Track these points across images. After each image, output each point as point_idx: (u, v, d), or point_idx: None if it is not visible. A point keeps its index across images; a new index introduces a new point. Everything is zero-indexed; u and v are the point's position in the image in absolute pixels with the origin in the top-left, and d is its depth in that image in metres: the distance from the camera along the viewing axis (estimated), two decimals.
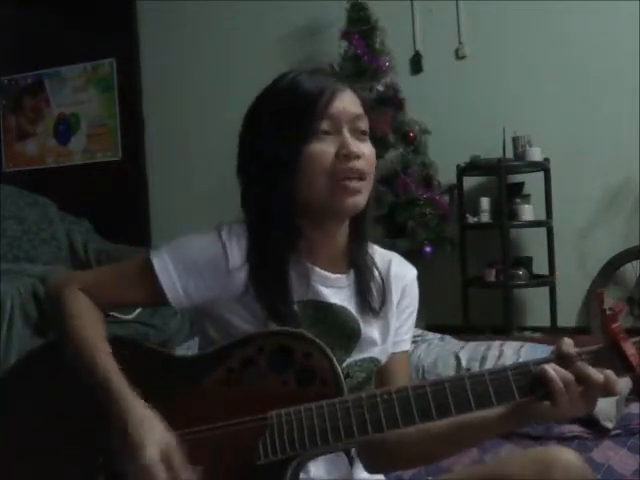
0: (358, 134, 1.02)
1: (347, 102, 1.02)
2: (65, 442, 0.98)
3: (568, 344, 0.94)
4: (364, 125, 1.03)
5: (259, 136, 1.03)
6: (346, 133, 1.01)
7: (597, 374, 0.90)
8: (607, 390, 0.91)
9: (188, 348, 2.68)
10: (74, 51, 4.57)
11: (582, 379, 0.91)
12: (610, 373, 0.90)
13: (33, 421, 1.01)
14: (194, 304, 1.04)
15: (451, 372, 2.23)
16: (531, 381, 0.92)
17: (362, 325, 1.07)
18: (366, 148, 1.03)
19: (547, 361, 0.93)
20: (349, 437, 0.91)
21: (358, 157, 1.00)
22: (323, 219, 1.04)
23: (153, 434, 0.89)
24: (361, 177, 1.01)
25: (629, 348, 0.92)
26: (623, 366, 0.92)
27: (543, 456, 1.02)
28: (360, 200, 1.02)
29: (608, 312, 0.93)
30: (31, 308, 2.89)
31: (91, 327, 0.99)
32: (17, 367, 1.09)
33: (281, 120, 1.01)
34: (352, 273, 1.09)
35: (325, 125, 1.00)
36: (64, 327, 1.00)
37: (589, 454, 1.84)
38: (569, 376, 0.91)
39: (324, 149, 1.00)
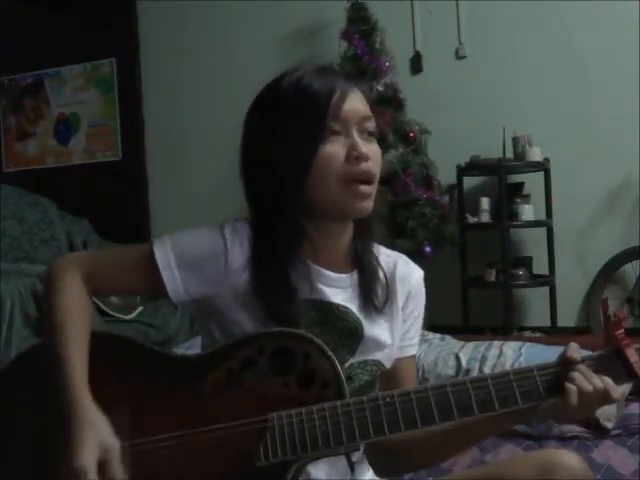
0: (366, 135, 1.03)
1: (356, 103, 1.03)
2: (59, 443, 0.96)
3: (574, 349, 0.94)
4: (371, 126, 1.04)
5: (267, 137, 1.02)
6: (355, 134, 1.01)
7: (599, 382, 0.91)
8: (605, 397, 0.91)
9: (188, 348, 2.68)
10: (74, 51, 4.56)
11: None
12: (608, 380, 0.91)
13: (26, 421, 1.00)
14: (193, 299, 1.03)
15: (451, 372, 2.24)
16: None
17: (365, 325, 1.06)
18: (374, 149, 1.03)
19: (551, 366, 0.94)
20: (351, 440, 0.91)
21: (368, 159, 1.01)
22: (328, 220, 1.04)
23: (95, 438, 0.88)
24: (370, 180, 1.02)
25: (632, 355, 0.92)
26: (626, 373, 0.92)
27: (545, 459, 1.02)
28: (369, 204, 1.03)
29: (612, 319, 0.94)
30: (31, 308, 2.88)
31: (73, 323, 0.98)
32: (11, 367, 1.07)
33: (291, 122, 1.00)
34: (356, 273, 1.08)
35: (335, 126, 1.00)
36: (48, 317, 0.99)
37: (589, 454, 1.84)
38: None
39: (335, 151, 1.00)
